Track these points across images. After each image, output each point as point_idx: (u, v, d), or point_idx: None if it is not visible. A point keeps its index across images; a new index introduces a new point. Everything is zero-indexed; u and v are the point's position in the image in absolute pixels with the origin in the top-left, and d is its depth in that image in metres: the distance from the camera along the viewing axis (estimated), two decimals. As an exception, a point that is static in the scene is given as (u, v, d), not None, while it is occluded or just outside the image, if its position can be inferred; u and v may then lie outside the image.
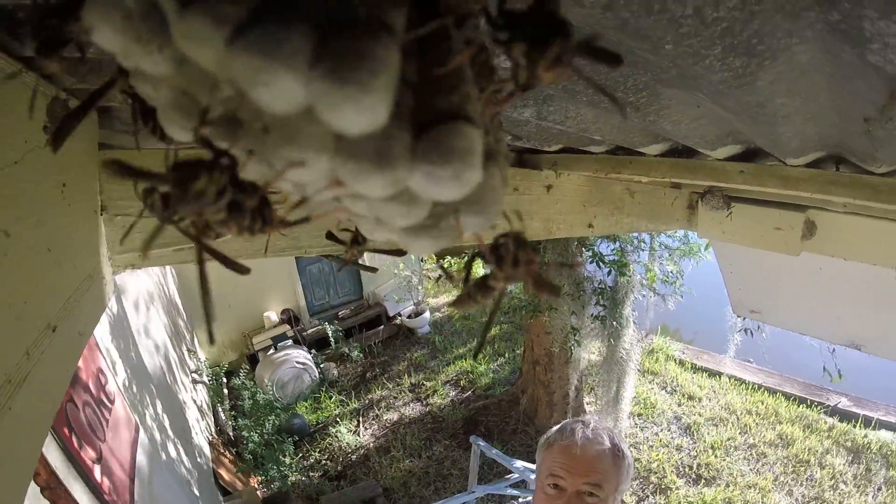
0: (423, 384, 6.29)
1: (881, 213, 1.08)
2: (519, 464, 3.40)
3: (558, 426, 1.35)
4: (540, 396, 5.29)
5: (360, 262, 0.77)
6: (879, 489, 4.67)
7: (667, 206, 1.28)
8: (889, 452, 5.05)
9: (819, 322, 1.36)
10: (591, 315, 3.96)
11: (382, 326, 7.46)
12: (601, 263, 3.83)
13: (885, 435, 5.29)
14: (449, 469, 4.92)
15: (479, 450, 3.70)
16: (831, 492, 4.65)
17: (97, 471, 1.92)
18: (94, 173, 0.86)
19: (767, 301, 1.39)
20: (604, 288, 3.90)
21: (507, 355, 6.66)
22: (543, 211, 1.37)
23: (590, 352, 6.40)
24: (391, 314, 7.62)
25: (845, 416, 5.64)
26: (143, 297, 3.99)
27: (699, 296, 4.70)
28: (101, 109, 0.83)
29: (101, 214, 0.90)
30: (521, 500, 3.28)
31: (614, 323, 3.85)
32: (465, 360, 6.65)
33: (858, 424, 5.46)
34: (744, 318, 4.30)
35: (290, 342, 6.49)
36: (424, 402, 5.98)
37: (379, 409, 5.86)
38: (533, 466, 3.90)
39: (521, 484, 3.39)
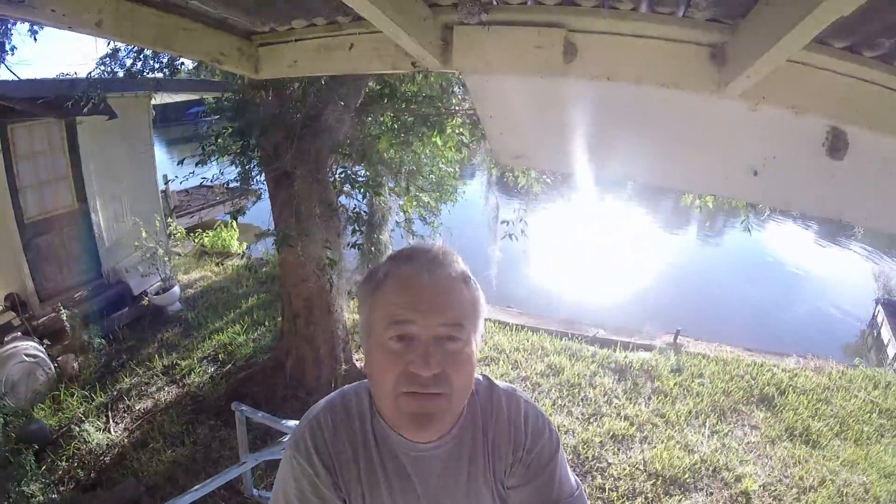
0: (177, 364, 5.80)
1: (640, 32, 1.10)
2: (290, 423, 3.31)
3: (388, 257, 1.02)
4: (305, 354, 5.10)
5: None
6: (649, 398, 5.55)
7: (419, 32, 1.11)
8: (650, 368, 6.04)
9: (587, 158, 1.36)
10: (348, 244, 3.81)
11: (127, 308, 6.83)
12: (353, 185, 3.69)
13: (643, 355, 6.33)
14: (219, 451, 4.57)
15: (243, 417, 3.52)
16: (607, 406, 5.37)
17: None
18: None
19: (530, 143, 1.36)
20: (359, 213, 3.78)
21: (267, 323, 6.57)
22: None
23: (354, 311, 6.45)
24: (136, 292, 7.02)
25: (605, 344, 6.59)
26: None
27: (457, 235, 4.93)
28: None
29: None
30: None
31: (373, 249, 3.73)
32: (223, 332, 6.32)
33: (618, 350, 6.39)
34: (502, 238, 4.63)
35: (18, 333, 5.59)
36: (181, 384, 5.53)
37: (130, 399, 5.25)
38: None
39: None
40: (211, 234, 9.88)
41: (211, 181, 4.30)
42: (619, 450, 4.72)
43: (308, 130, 3.43)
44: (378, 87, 3.92)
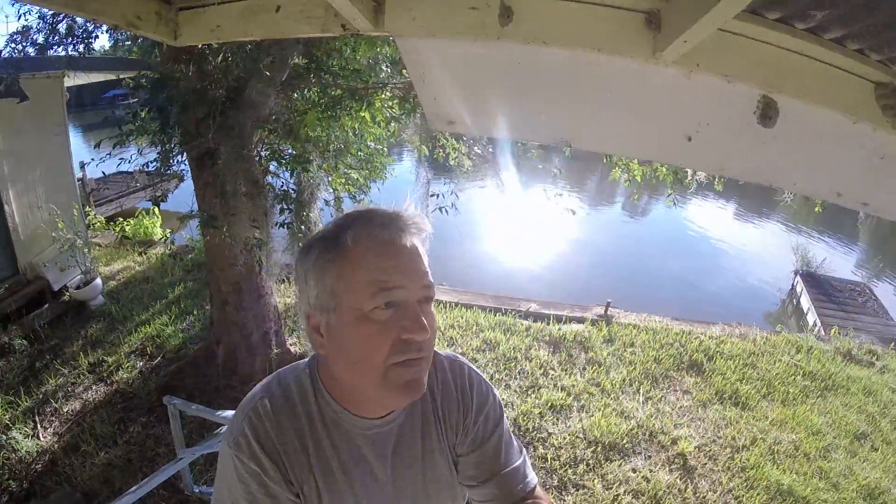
0: (103, 361, 5.48)
1: None
2: (226, 413, 3.19)
3: (343, 222, 0.91)
4: (237, 341, 4.92)
5: None
6: (584, 368, 5.75)
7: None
8: (583, 339, 6.26)
9: (522, 124, 1.34)
10: (276, 223, 3.69)
11: (47, 305, 6.42)
12: (280, 162, 3.56)
13: (575, 327, 6.52)
14: (154, 449, 4.36)
15: (176, 410, 3.38)
16: (544, 378, 5.51)
17: None
18: None
19: (465, 108, 1.31)
20: (287, 191, 3.66)
21: (195, 312, 6.36)
22: None
23: (285, 295, 6.30)
24: (56, 288, 6.59)
25: (538, 318, 6.77)
26: None
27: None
28: None
29: None
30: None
31: (302, 227, 3.63)
32: (150, 325, 6.06)
33: (551, 322, 6.57)
34: (433, 211, 4.62)
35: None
36: (109, 381, 5.24)
37: (57, 402, 4.93)
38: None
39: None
40: (132, 222, 9.48)
41: (129, 165, 4.05)
42: (558, 420, 4.86)
43: (231, 105, 3.27)
44: (304, 62, 3.79)
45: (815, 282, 12.56)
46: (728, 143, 1.27)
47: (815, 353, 6.83)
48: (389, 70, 4.22)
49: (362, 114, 3.93)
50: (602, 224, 17.26)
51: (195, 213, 3.88)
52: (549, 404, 5.02)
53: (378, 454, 0.99)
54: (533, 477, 1.12)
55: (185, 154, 3.83)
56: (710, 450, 4.75)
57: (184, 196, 4.86)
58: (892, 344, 7.85)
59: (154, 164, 3.91)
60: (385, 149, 4.93)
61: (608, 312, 6.96)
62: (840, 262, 16.13)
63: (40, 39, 3.97)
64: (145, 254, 8.36)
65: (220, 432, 3.21)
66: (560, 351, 6.01)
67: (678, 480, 4.30)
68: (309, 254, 0.91)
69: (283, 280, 6.64)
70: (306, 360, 1.04)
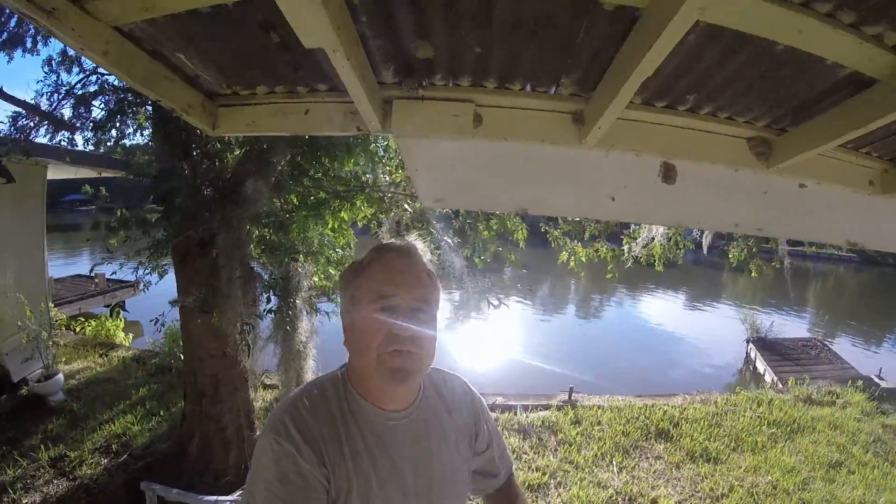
0: (65, 456, 5.40)
1: (526, 105, 1.56)
2: (209, 498, 3.25)
3: (367, 252, 1.28)
4: (211, 435, 4.98)
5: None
6: (556, 449, 6.04)
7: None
8: (551, 423, 6.61)
9: (491, 198, 1.78)
10: (263, 310, 3.99)
11: (5, 396, 6.40)
12: (272, 252, 3.94)
13: (542, 413, 6.90)
14: None
15: (154, 496, 3.41)
16: (518, 461, 5.74)
17: None
18: None
19: (449, 189, 1.72)
20: (276, 279, 4.00)
21: (162, 413, 6.36)
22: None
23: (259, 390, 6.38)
24: (16, 379, 6.53)
25: (505, 409, 7.06)
26: None
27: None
28: None
29: None
30: None
31: (289, 313, 3.94)
32: (115, 423, 6.02)
33: (518, 412, 6.88)
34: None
35: None
36: (71, 477, 5.14)
37: (15, 493, 4.82)
38: (227, 498, 3.62)
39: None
40: (94, 323, 9.49)
41: (91, 272, 4.27)
42: (537, 497, 5.07)
43: (230, 198, 3.69)
44: (290, 169, 4.30)
45: (767, 345, 13.40)
46: (642, 199, 1.76)
47: (776, 404, 7.40)
48: (369, 177, 4.73)
49: (343, 214, 4.39)
50: (557, 328, 17.81)
51: (183, 299, 4.13)
52: (526, 484, 5.23)
53: (399, 444, 1.21)
54: (510, 455, 1.53)
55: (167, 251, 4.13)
56: (691, 503, 5.03)
57: (140, 304, 5.06)
58: (850, 382, 8.73)
59: (120, 267, 4.15)
60: (352, 254, 5.31)
61: (572, 397, 7.37)
62: (793, 327, 17.19)
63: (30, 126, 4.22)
64: (107, 356, 8.32)
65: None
66: (530, 436, 6.27)
67: None
68: (346, 273, 1.29)
69: (263, 372, 6.75)
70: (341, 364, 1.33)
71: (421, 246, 1.37)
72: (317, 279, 4.56)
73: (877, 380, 10.13)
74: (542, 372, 11.31)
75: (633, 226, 6.24)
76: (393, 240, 1.33)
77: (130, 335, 9.69)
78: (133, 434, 5.82)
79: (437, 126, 1.53)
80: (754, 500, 5.12)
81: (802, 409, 7.48)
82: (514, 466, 1.55)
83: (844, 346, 15.12)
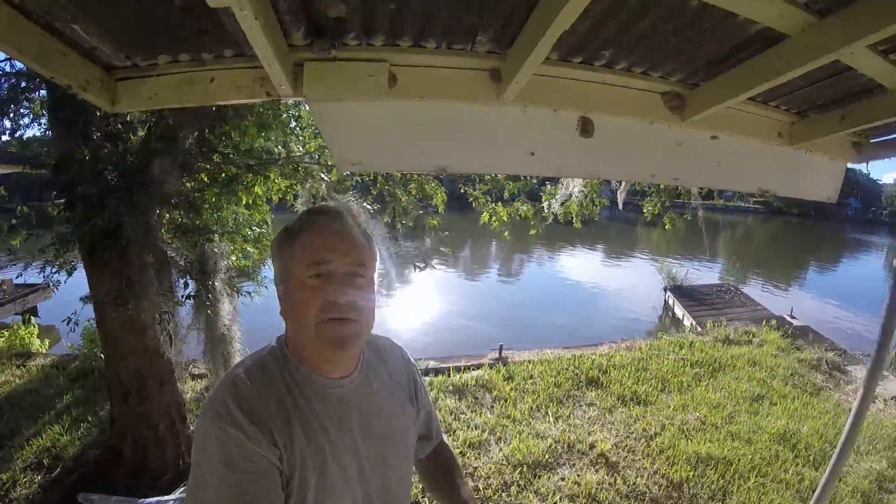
0: None
1: (442, 63, 1.54)
2: (151, 500, 3.14)
3: (298, 217, 1.22)
4: (144, 435, 4.79)
5: None
6: (492, 406, 6.24)
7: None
8: (485, 382, 6.78)
9: (409, 159, 1.73)
10: (182, 296, 3.83)
11: None
12: (185, 234, 3.76)
13: (475, 373, 7.05)
14: None
15: None
16: (457, 422, 5.88)
17: None
18: None
19: (366, 152, 1.67)
20: (191, 263, 3.83)
21: (90, 419, 6.04)
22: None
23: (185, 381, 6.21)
24: None
25: (439, 372, 7.17)
26: None
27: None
28: None
29: None
30: None
31: (209, 296, 3.80)
32: (42, 436, 5.66)
33: (451, 374, 7.01)
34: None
35: None
36: (6, 500, 4.83)
37: None
38: (169, 497, 3.49)
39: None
40: (6, 333, 8.83)
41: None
42: (479, 454, 5.22)
43: (136, 182, 3.47)
44: (198, 146, 4.10)
45: (684, 292, 14.47)
46: (561, 153, 1.81)
47: (697, 346, 8.02)
48: (281, 150, 4.58)
49: (256, 189, 4.24)
50: (482, 290, 18.39)
51: (93, 295, 3.89)
52: (468, 442, 5.38)
53: (349, 411, 1.19)
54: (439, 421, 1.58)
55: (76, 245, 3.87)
56: (627, 444, 5.39)
57: (56, 307, 4.74)
58: (764, 322, 9.67)
59: (24, 268, 3.88)
60: (270, 231, 5.22)
61: (503, 355, 7.62)
62: (707, 275, 18.50)
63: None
64: (24, 366, 7.77)
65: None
66: (466, 396, 6.43)
67: (606, 476, 4.84)
68: (277, 239, 1.23)
69: (190, 363, 6.53)
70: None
71: (354, 208, 1.34)
72: (234, 259, 4.40)
73: (789, 319, 11.29)
74: (472, 333, 11.62)
75: (549, 184, 6.47)
76: (326, 202, 1.28)
77: (47, 341, 9.12)
78: (63, 445, 5.51)
79: (351, 88, 1.49)
80: (686, 436, 5.51)
81: (722, 349, 8.13)
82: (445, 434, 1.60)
83: (755, 291, 16.71)
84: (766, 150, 2.11)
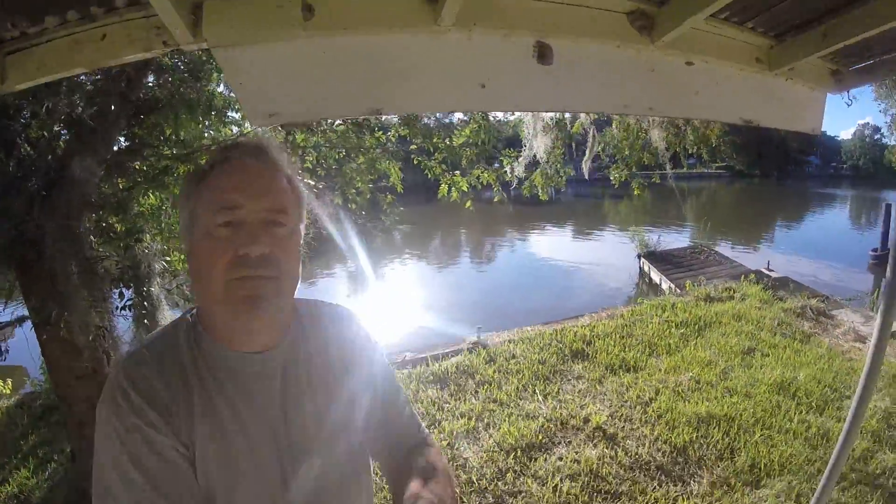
0: None
1: None
2: None
3: (212, 154, 1.01)
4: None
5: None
6: (476, 391, 5.96)
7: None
8: (466, 367, 6.49)
9: (336, 103, 1.49)
10: (117, 307, 3.51)
11: None
12: (111, 239, 3.42)
13: (455, 359, 6.78)
14: None
15: None
16: (441, 412, 5.57)
17: None
18: None
19: (283, 102, 1.44)
20: (123, 269, 3.51)
21: (56, 458, 5.69)
22: None
23: None
24: None
25: (417, 363, 6.84)
26: None
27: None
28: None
29: None
30: None
31: (146, 304, 3.48)
32: (9, 483, 5.31)
33: (430, 363, 6.72)
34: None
35: None
36: None
37: None
38: None
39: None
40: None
41: None
42: (469, 443, 4.98)
43: (56, 185, 3.12)
44: (126, 143, 3.79)
45: (659, 257, 14.69)
46: (516, 84, 1.59)
47: (679, 307, 7.96)
48: (213, 134, 4.29)
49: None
50: (455, 278, 18.30)
51: (20, 316, 3.55)
52: (454, 433, 5.13)
53: (267, 391, 0.99)
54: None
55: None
56: (622, 413, 5.23)
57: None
58: (742, 277, 9.81)
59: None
60: None
61: (481, 338, 7.38)
62: (679, 239, 18.75)
63: None
64: (-16, 408, 7.32)
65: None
66: (447, 384, 6.17)
67: (606, 449, 4.65)
68: (185, 181, 1.01)
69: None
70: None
71: (278, 143, 1.09)
72: (169, 259, 4.06)
73: (767, 272, 11.39)
74: (449, 321, 11.42)
75: (512, 147, 6.24)
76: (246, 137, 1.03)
77: (10, 381, 8.62)
78: (30, 489, 5.17)
79: (259, 25, 1.26)
80: (682, 398, 5.40)
81: (705, 307, 8.08)
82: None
83: (726, 250, 16.84)
84: (746, 78, 1.96)
